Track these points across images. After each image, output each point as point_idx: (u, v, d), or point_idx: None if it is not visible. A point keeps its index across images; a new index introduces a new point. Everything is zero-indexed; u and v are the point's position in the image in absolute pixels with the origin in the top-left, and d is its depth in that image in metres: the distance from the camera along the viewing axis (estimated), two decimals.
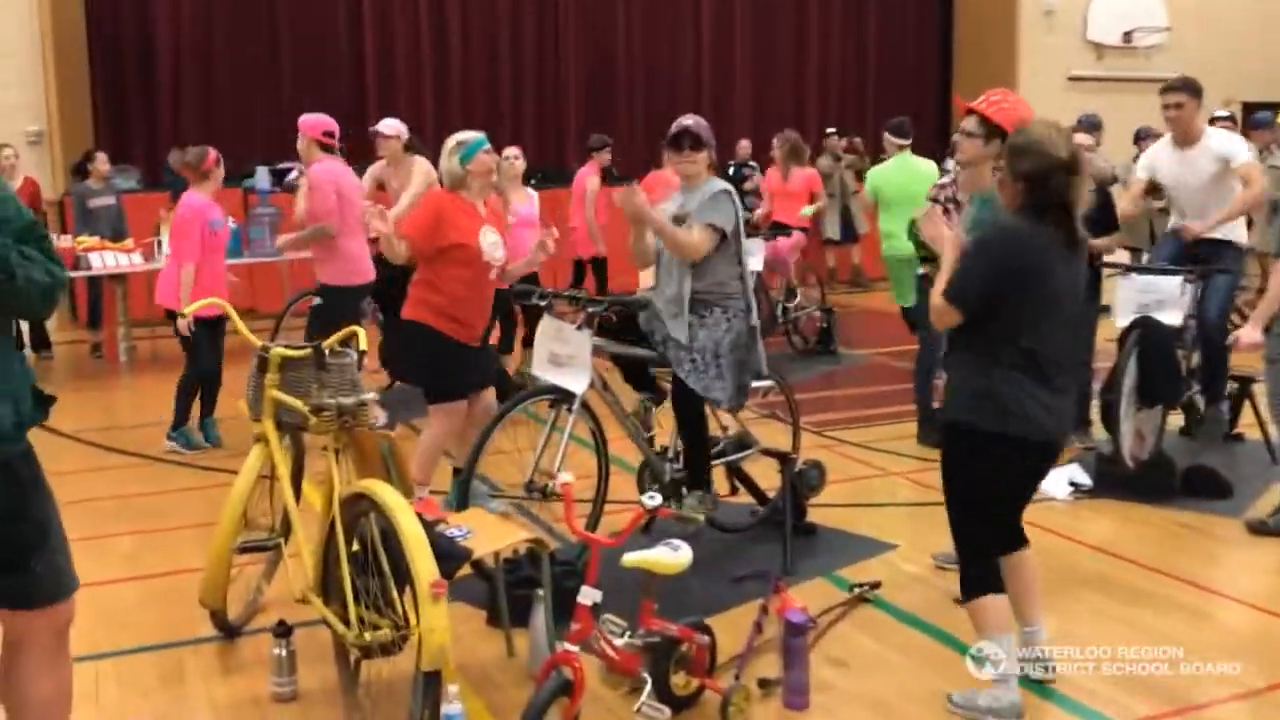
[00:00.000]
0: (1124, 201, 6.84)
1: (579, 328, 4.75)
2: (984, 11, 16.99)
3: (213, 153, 7.09)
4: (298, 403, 3.83)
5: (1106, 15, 16.89)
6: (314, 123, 6.89)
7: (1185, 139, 6.42)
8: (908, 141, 8.85)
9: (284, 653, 3.83)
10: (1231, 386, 6.73)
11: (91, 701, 3.81)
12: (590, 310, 4.81)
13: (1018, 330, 3.48)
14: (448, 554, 3.60)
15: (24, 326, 9.82)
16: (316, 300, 6.91)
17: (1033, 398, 3.48)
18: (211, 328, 6.89)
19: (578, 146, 13.20)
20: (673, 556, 3.52)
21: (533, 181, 10.47)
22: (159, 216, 9.60)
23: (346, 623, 3.47)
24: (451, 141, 5.33)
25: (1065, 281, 3.53)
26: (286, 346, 4.02)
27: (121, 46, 13.77)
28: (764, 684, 3.80)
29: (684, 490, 4.87)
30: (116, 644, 4.30)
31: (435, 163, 6.15)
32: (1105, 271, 6.47)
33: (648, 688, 3.51)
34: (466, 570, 3.92)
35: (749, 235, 6.19)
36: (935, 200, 4.93)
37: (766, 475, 5.38)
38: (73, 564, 2.90)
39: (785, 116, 15.91)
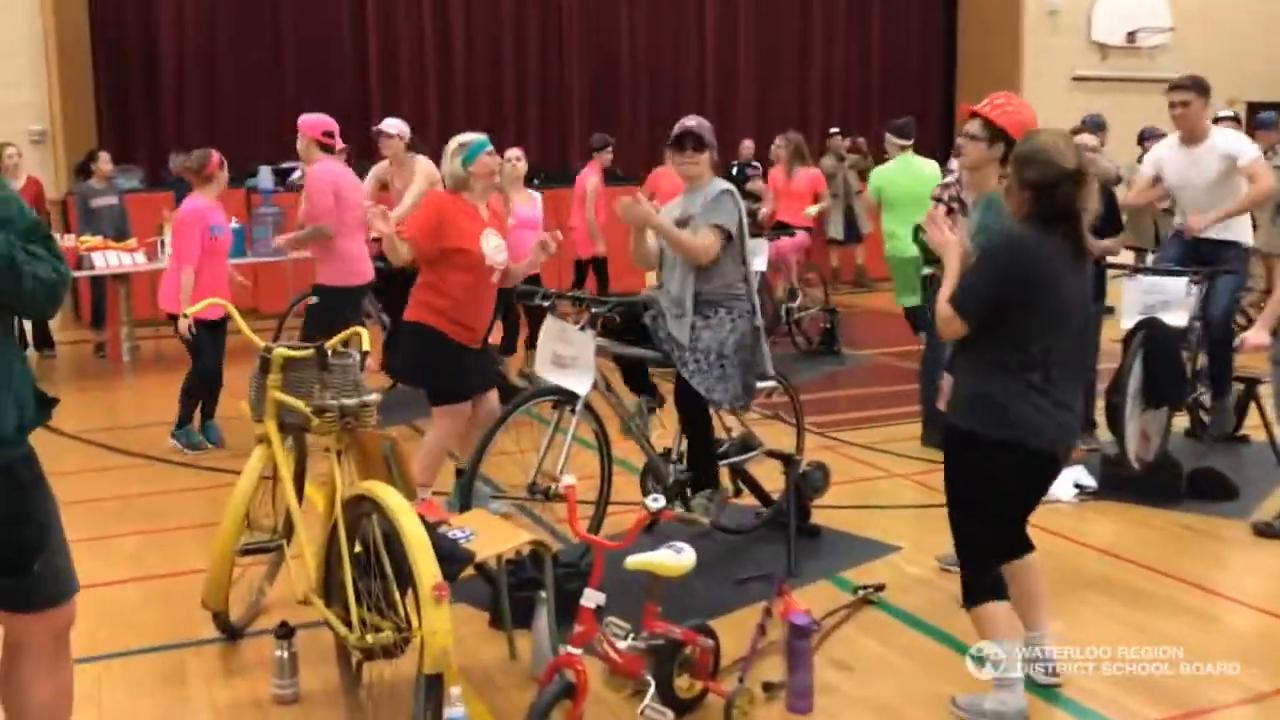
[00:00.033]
0: (1131, 193, 6.83)
1: (582, 328, 4.74)
2: (988, 12, 16.96)
3: (215, 156, 7.07)
4: (300, 404, 3.81)
5: (1110, 16, 16.87)
6: (313, 123, 6.89)
7: (1191, 137, 6.41)
8: (910, 142, 8.85)
9: (286, 654, 3.82)
10: (1237, 388, 6.71)
11: (93, 703, 3.80)
12: (593, 311, 4.80)
13: (1024, 339, 3.46)
14: (450, 556, 3.59)
15: (27, 326, 9.86)
16: (313, 299, 6.89)
17: (1036, 407, 3.46)
18: (212, 330, 6.87)
19: (581, 148, 13.19)
20: (676, 559, 3.51)
21: (535, 182, 10.47)
22: (162, 216, 9.60)
23: (348, 625, 3.46)
24: (454, 143, 5.32)
25: (1072, 291, 3.51)
26: (289, 347, 4.01)
27: (125, 47, 13.77)
28: (768, 687, 3.79)
29: (692, 490, 4.85)
30: (118, 645, 4.28)
31: (437, 163, 6.15)
32: (1110, 272, 6.45)
33: (651, 690, 3.50)
34: (469, 572, 3.90)
35: (753, 235, 6.18)
36: (939, 200, 4.91)
37: (771, 477, 5.36)
38: (73, 567, 2.89)
39: (788, 117, 15.89)
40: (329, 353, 3.87)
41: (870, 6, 17.21)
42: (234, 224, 9.00)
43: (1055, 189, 3.43)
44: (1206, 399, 6.75)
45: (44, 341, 10.37)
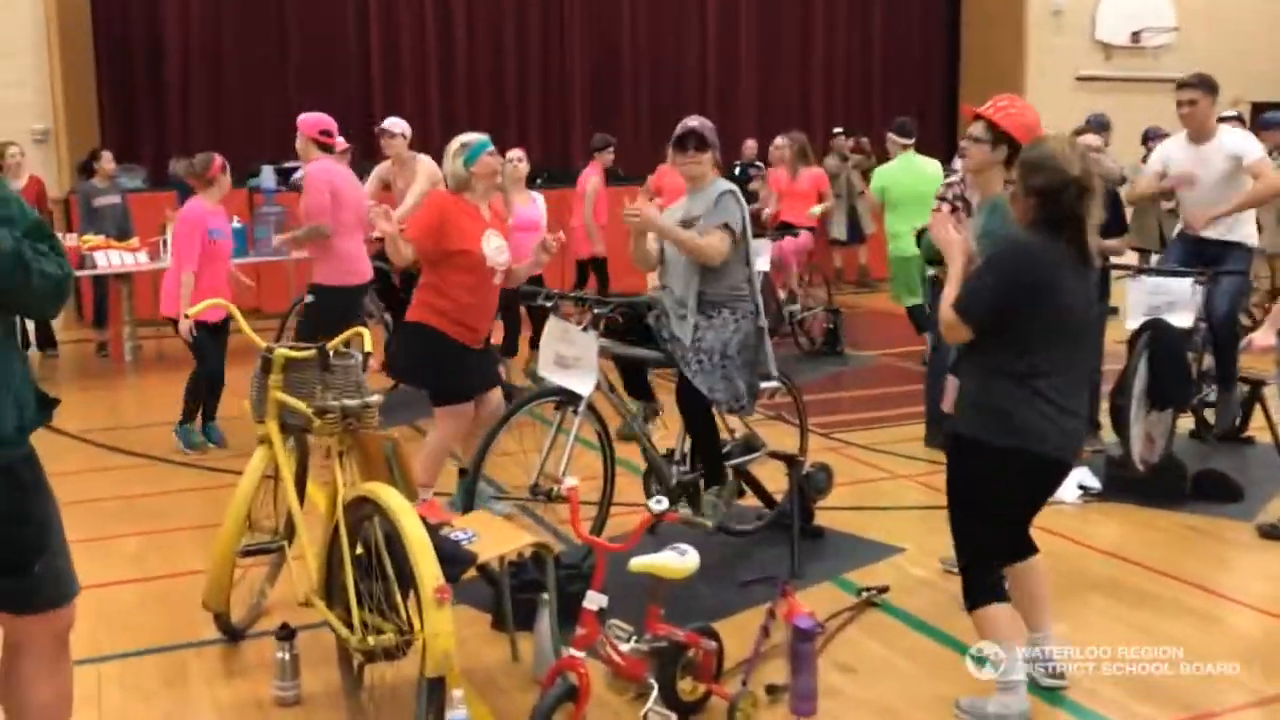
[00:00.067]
0: (1140, 184, 6.82)
1: (584, 329, 4.73)
2: (991, 11, 16.94)
3: (218, 159, 7.06)
4: (301, 404, 3.80)
5: (1115, 15, 16.84)
6: (312, 122, 6.88)
7: (1199, 136, 6.40)
8: (911, 141, 8.84)
9: (287, 656, 3.81)
10: (1242, 389, 6.69)
11: (93, 704, 3.79)
12: (596, 312, 4.78)
13: (1028, 345, 3.45)
14: (452, 558, 3.58)
15: (29, 325, 9.86)
16: (309, 298, 6.88)
17: (1041, 414, 3.45)
18: (213, 332, 6.86)
19: (583, 144, 13.18)
20: (680, 561, 3.49)
21: (538, 182, 10.44)
22: (165, 216, 9.59)
23: (350, 627, 3.44)
24: (455, 144, 5.31)
25: (1076, 297, 3.51)
26: (290, 347, 4.00)
27: (128, 45, 13.77)
28: (771, 690, 3.77)
29: (705, 486, 4.85)
30: (119, 646, 4.27)
31: (439, 163, 6.13)
32: (1115, 273, 6.44)
33: (654, 693, 3.49)
34: (471, 573, 3.89)
35: (756, 235, 6.16)
36: (943, 199, 4.90)
37: (774, 478, 5.35)
38: (73, 568, 2.88)
39: (790, 108, 15.90)
40: (331, 353, 3.86)
41: (872, 2, 17.18)
42: (236, 223, 9.00)
43: (1061, 195, 3.43)
44: (1212, 398, 6.71)
45: (46, 341, 10.37)
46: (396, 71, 14.76)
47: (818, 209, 10.41)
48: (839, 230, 13.66)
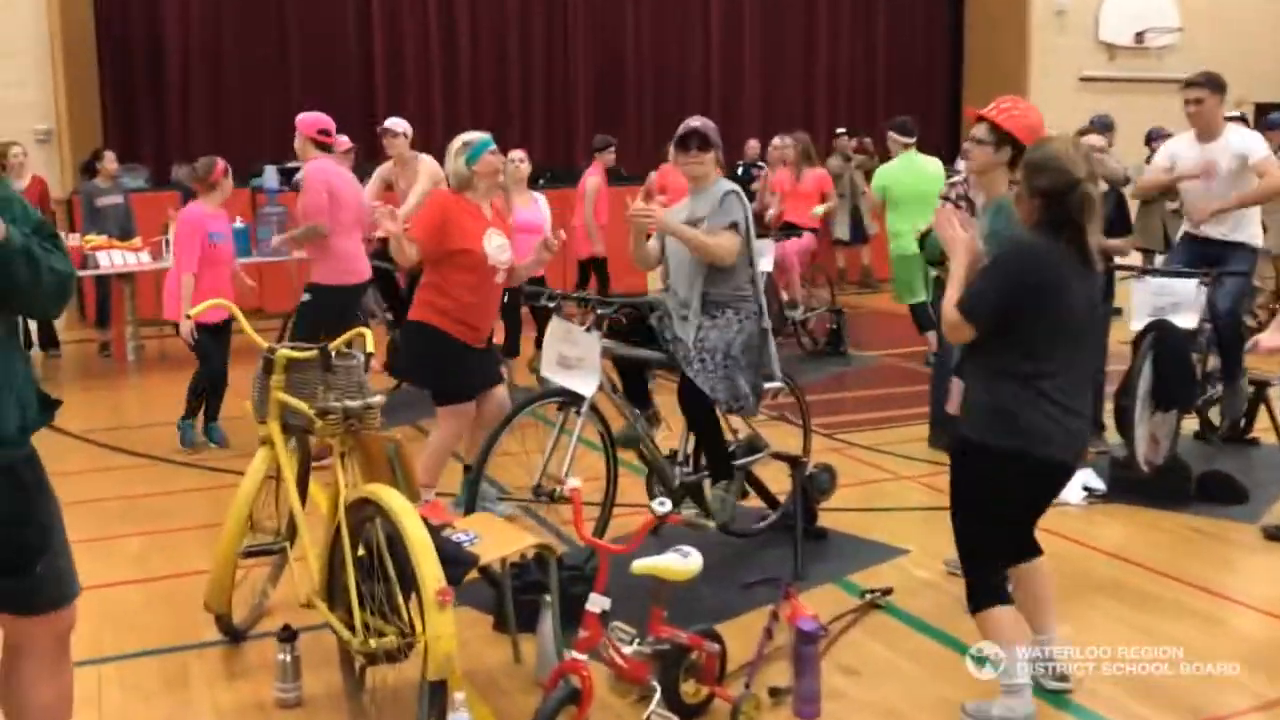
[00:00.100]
0: (1148, 177, 6.82)
1: (587, 330, 4.72)
2: (995, 12, 16.92)
3: (220, 163, 7.06)
4: (303, 405, 3.79)
5: (1118, 16, 16.82)
6: (310, 121, 6.87)
7: (1206, 134, 6.40)
8: (913, 140, 8.83)
9: (288, 658, 3.79)
10: (1248, 390, 6.67)
11: (93, 706, 3.78)
12: (599, 312, 4.77)
13: (1032, 347, 3.44)
14: (454, 559, 3.56)
15: (32, 325, 9.85)
16: (305, 297, 6.87)
17: (1047, 416, 3.43)
18: (215, 334, 6.85)
19: (586, 146, 13.17)
20: (683, 563, 3.48)
21: (541, 182, 10.43)
22: (167, 216, 9.59)
23: (352, 629, 3.43)
24: (457, 142, 5.31)
25: (1080, 299, 3.49)
26: (292, 348, 3.99)
27: (130, 45, 13.77)
28: (774, 692, 3.76)
29: (712, 480, 4.85)
30: (120, 647, 4.26)
31: (441, 162, 6.13)
32: (1119, 274, 6.42)
33: (657, 696, 3.48)
34: (474, 575, 3.87)
35: (759, 236, 6.15)
36: (947, 199, 4.89)
37: (777, 479, 5.33)
38: (75, 569, 2.87)
39: (794, 114, 15.87)
40: (333, 354, 3.85)
41: (875, 4, 17.18)
42: (239, 224, 8.99)
43: (1066, 197, 3.41)
44: (1217, 398, 6.70)
45: (49, 341, 10.37)
46: (400, 79, 14.74)
47: (820, 209, 10.40)
48: (842, 230, 13.65)
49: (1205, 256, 6.39)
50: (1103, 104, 12.40)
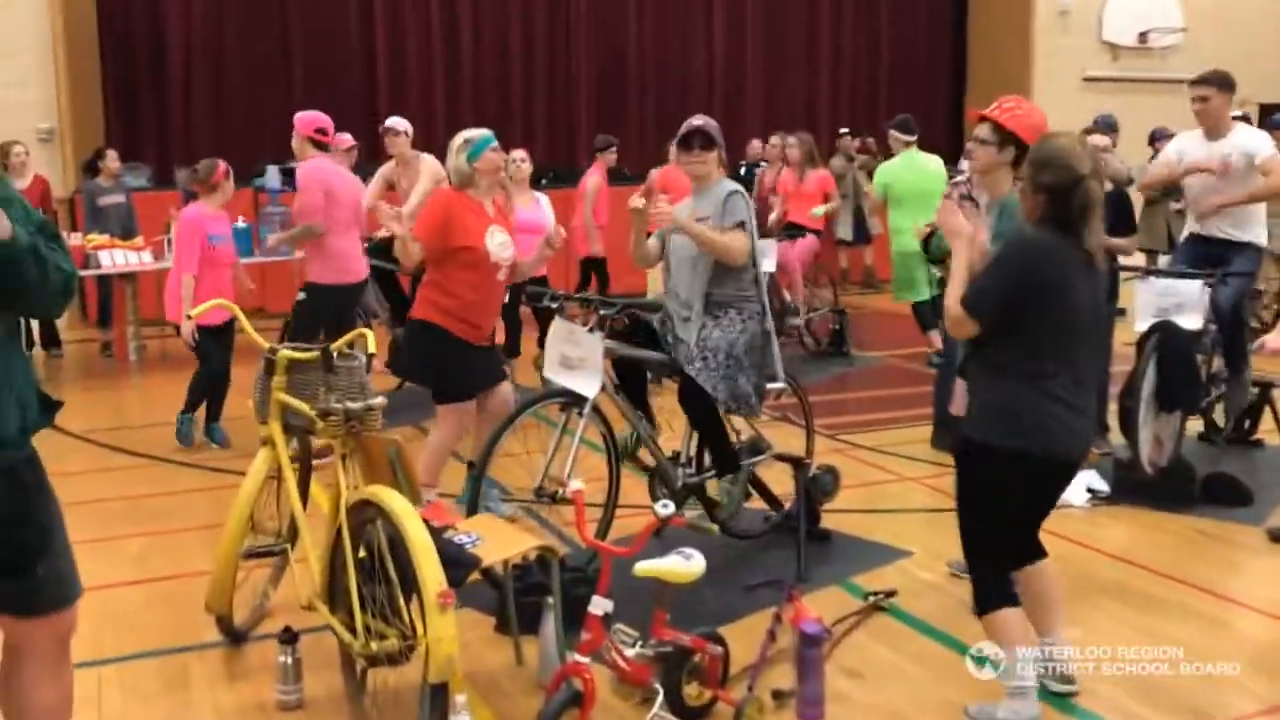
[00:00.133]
0: (1156, 170, 6.82)
1: (590, 330, 4.70)
2: (998, 12, 16.90)
3: (222, 165, 7.05)
4: (304, 406, 3.78)
5: (1122, 16, 16.78)
6: (308, 120, 6.85)
7: (1213, 132, 6.40)
8: (914, 138, 8.82)
9: (289, 660, 3.78)
10: (1252, 392, 6.66)
11: (94, 707, 3.77)
12: (601, 313, 4.76)
13: (1037, 345, 3.43)
14: (456, 561, 3.55)
15: (34, 325, 9.84)
16: (300, 296, 6.84)
17: (1052, 415, 3.42)
18: (216, 335, 6.84)
19: (588, 145, 13.17)
20: (685, 566, 3.46)
21: (543, 182, 10.42)
22: (169, 215, 9.58)
23: (353, 631, 3.42)
24: (458, 139, 5.30)
25: (1084, 295, 3.48)
26: (294, 348, 3.98)
27: (133, 42, 13.75)
28: (778, 695, 3.74)
29: (718, 474, 4.85)
30: (120, 648, 4.25)
31: (443, 160, 6.11)
32: (1123, 274, 6.40)
33: (659, 699, 3.47)
34: (475, 577, 3.86)
35: (762, 237, 6.14)
36: (949, 198, 4.87)
37: (780, 481, 5.32)
38: (76, 570, 2.85)
39: (796, 112, 15.86)
40: (335, 355, 3.83)
41: (878, 3, 17.15)
42: (241, 223, 8.98)
43: (1070, 193, 3.40)
44: (1220, 404, 6.68)
45: (51, 341, 10.35)
46: (402, 76, 14.74)
47: (820, 209, 10.37)
48: (845, 231, 13.64)
49: (1209, 257, 6.37)
50: (1106, 104, 12.35)
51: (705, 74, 16.28)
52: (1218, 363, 6.46)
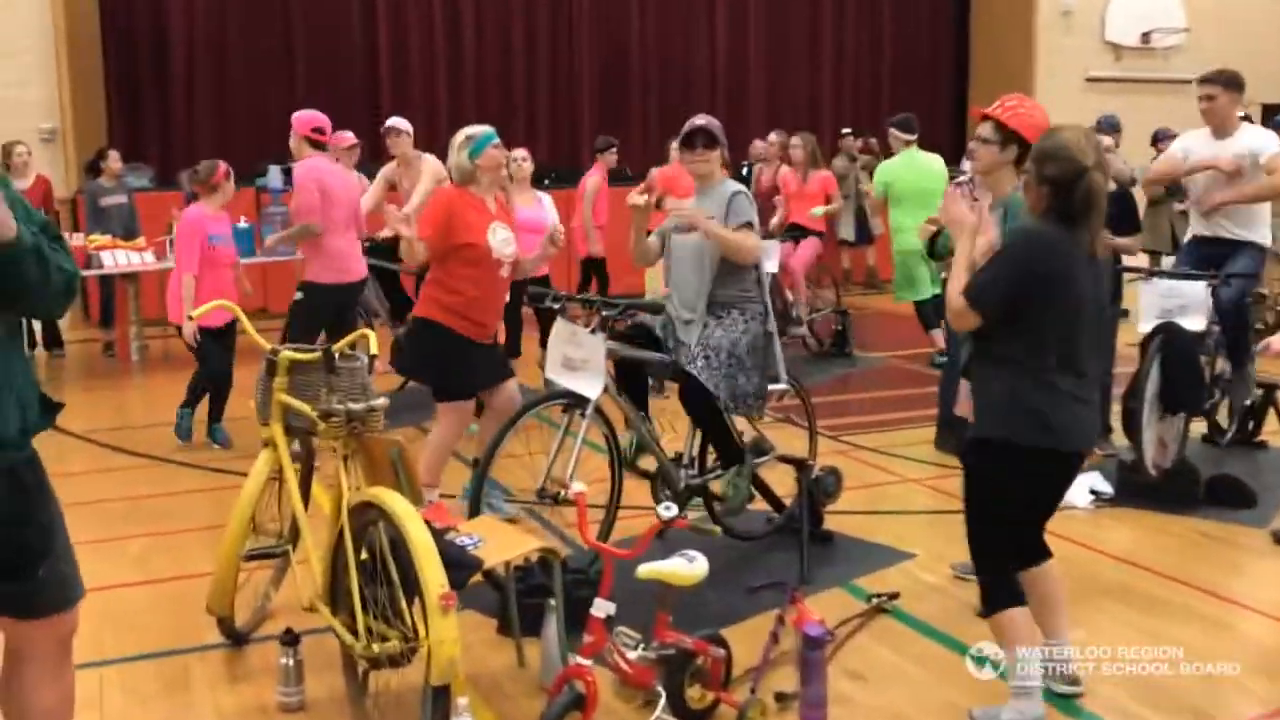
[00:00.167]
0: (1162, 164, 6.81)
1: (592, 331, 4.69)
2: (1001, 12, 16.89)
3: (222, 166, 7.05)
4: (306, 407, 3.77)
5: (1125, 16, 16.77)
6: (305, 119, 6.84)
7: (1219, 131, 6.40)
8: (914, 137, 8.82)
9: (291, 662, 3.77)
10: (1256, 394, 6.64)
11: (94, 708, 3.76)
12: (604, 314, 4.75)
13: (1042, 338, 3.42)
14: (458, 563, 3.54)
15: (36, 326, 9.84)
16: (297, 295, 6.83)
17: (1063, 408, 3.42)
18: (217, 337, 6.83)
19: (590, 143, 13.17)
20: (688, 568, 3.46)
21: (546, 183, 10.41)
22: (171, 215, 9.57)
23: (354, 633, 3.41)
24: (460, 136, 5.29)
25: (1087, 288, 3.48)
26: (295, 349, 3.97)
27: (135, 40, 13.75)
28: (780, 697, 3.73)
29: (723, 466, 4.85)
30: (121, 649, 4.24)
31: (444, 160, 6.10)
32: (1127, 275, 6.39)
33: (662, 701, 3.46)
34: (477, 578, 3.85)
35: (765, 237, 6.13)
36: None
37: (782, 482, 5.30)
38: (78, 572, 2.84)
39: (799, 108, 15.86)
40: (336, 356, 3.83)
41: (881, 3, 17.14)
42: (243, 223, 8.97)
43: (1074, 185, 3.40)
44: (1224, 406, 6.67)
45: (53, 341, 10.36)
46: (405, 71, 14.75)
47: (820, 210, 10.36)
48: (847, 231, 13.61)
49: (1213, 258, 6.36)
50: (1109, 104, 12.34)
51: (708, 70, 16.28)
52: (1221, 364, 6.45)
